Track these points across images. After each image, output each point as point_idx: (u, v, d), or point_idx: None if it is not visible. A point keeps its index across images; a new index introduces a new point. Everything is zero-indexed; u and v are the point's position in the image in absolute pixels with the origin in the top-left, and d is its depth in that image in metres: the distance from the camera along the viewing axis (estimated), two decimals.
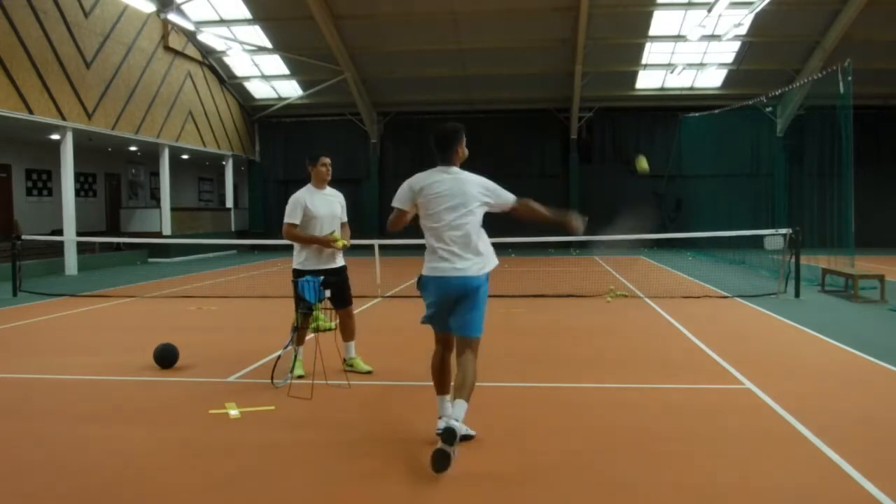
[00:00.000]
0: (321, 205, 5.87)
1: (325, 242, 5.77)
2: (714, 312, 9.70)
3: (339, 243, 5.80)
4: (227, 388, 5.79)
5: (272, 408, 5.12)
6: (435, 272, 4.13)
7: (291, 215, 5.77)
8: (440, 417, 4.28)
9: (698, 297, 11.16)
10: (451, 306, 4.15)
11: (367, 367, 6.13)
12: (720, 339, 7.58)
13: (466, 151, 4.36)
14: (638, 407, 5.14)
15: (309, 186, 5.96)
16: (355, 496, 3.62)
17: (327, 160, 6.00)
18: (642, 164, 5.08)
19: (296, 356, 5.94)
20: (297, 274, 5.77)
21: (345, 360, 6.19)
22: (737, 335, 7.95)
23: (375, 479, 3.81)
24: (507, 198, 4.33)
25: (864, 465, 3.85)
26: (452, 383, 4.18)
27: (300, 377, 5.84)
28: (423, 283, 4.21)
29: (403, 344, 7.62)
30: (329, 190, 6.06)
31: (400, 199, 4.25)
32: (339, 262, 6.02)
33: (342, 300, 6.02)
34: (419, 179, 4.23)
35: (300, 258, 5.88)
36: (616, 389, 5.69)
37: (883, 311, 9.64)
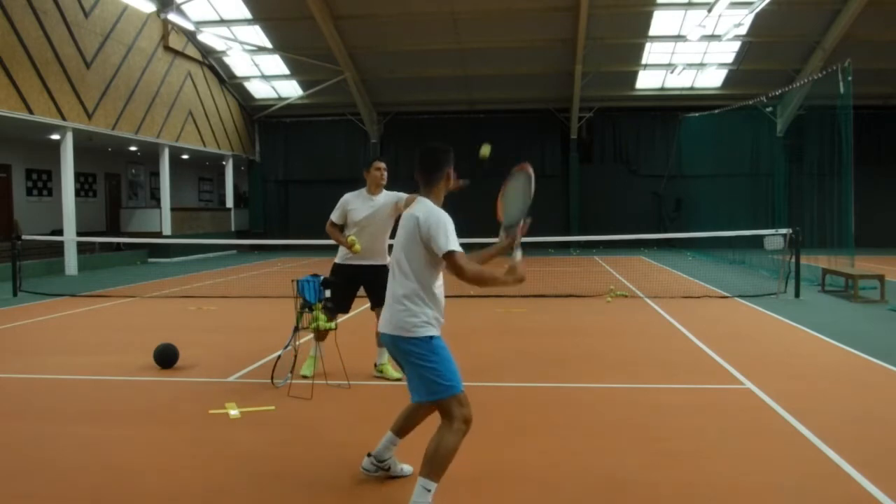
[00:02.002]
0: (361, 210, 5.82)
1: (346, 244, 5.79)
2: (714, 312, 9.70)
3: (356, 248, 5.76)
4: (227, 388, 5.80)
5: (272, 408, 5.12)
6: None
7: (334, 213, 5.95)
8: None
9: (698, 297, 11.15)
10: None
11: (397, 375, 5.96)
12: (720, 339, 7.58)
13: None
14: (638, 406, 5.14)
15: (362, 190, 5.95)
16: (356, 497, 3.62)
17: (381, 164, 5.88)
18: (484, 151, 4.82)
19: (313, 353, 5.99)
20: (336, 268, 5.94)
21: (375, 365, 6.15)
22: (737, 335, 7.95)
23: (376, 480, 3.81)
24: None
25: (863, 464, 3.85)
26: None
27: (304, 377, 5.84)
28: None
29: None
30: (381, 196, 5.89)
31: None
32: (379, 261, 5.92)
33: (382, 297, 5.94)
34: None
35: (341, 253, 6.01)
36: (616, 389, 5.69)
37: (883, 311, 9.63)
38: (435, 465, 3.29)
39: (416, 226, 3.37)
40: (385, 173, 5.90)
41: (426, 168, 3.54)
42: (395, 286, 3.48)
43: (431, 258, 3.38)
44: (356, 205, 5.86)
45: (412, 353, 3.38)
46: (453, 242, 3.32)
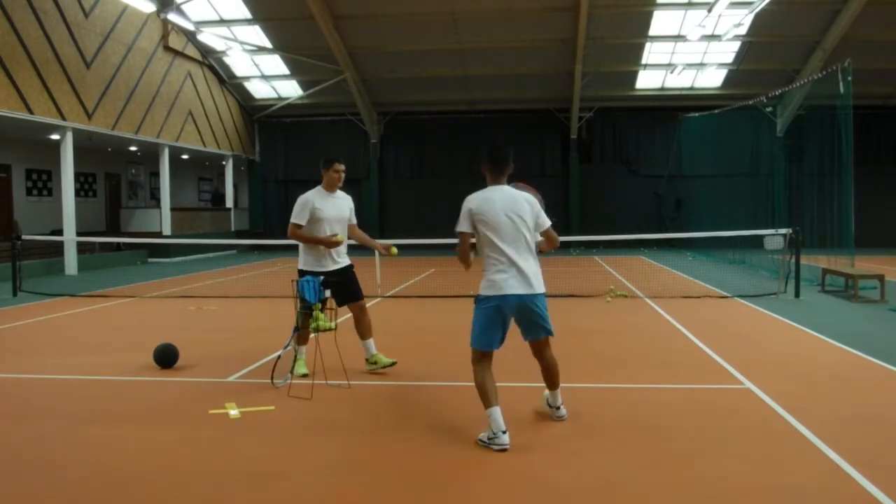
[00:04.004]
0: (329, 207, 5.90)
1: (328, 243, 5.78)
2: (714, 312, 9.70)
3: (340, 237, 5.82)
4: (227, 388, 5.80)
5: (272, 408, 5.12)
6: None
7: (298, 216, 5.82)
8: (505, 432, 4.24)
9: (698, 297, 11.15)
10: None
11: (389, 360, 6.11)
12: (720, 339, 7.58)
13: None
14: (637, 406, 5.14)
15: (319, 188, 5.98)
16: (355, 496, 3.62)
17: (341, 167, 6.00)
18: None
19: (296, 356, 5.95)
20: (302, 275, 5.81)
21: (367, 359, 6.16)
22: (737, 335, 7.95)
23: (375, 480, 3.81)
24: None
25: (863, 464, 3.85)
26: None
27: (304, 375, 5.85)
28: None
29: (403, 344, 7.60)
30: (339, 193, 6.08)
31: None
32: (344, 262, 6.05)
33: (352, 295, 6.04)
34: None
35: (305, 259, 5.93)
36: (615, 389, 5.70)
37: (883, 311, 9.63)
38: (559, 377, 4.80)
39: (531, 208, 4.51)
40: (343, 175, 6.02)
41: (501, 162, 4.59)
42: (529, 256, 4.47)
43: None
44: (322, 203, 5.87)
45: (544, 303, 4.53)
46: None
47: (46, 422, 4.90)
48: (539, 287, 4.45)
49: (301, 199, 5.88)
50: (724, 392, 5.56)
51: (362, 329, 6.12)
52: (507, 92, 23.65)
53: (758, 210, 17.81)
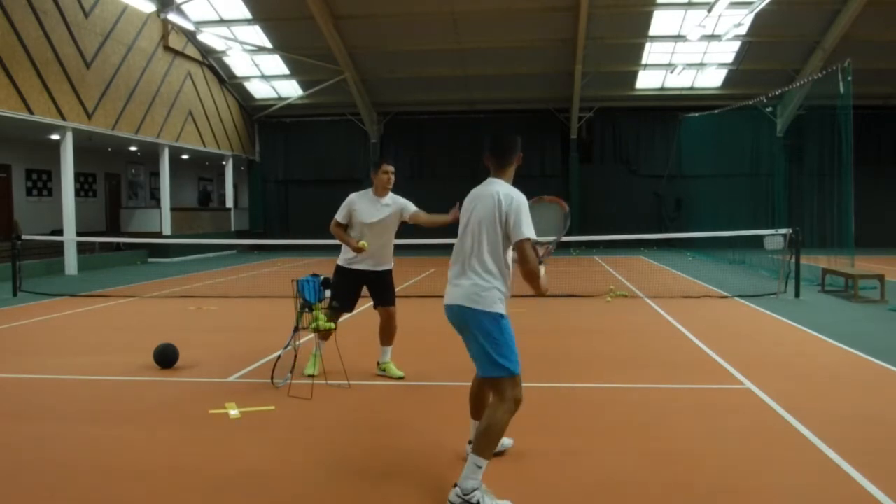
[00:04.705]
0: (369, 212, 5.80)
1: (353, 248, 5.75)
2: (714, 312, 9.70)
3: (363, 243, 5.75)
4: (227, 388, 5.80)
5: (272, 408, 5.12)
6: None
7: (339, 213, 5.88)
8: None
9: (698, 297, 11.15)
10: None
11: (399, 373, 6.03)
12: (720, 339, 7.58)
13: None
14: (638, 407, 5.14)
15: (368, 191, 5.94)
16: (354, 496, 3.62)
17: (390, 168, 5.83)
18: None
19: (315, 350, 5.99)
20: (337, 270, 5.91)
21: (378, 363, 6.15)
22: (737, 335, 7.95)
23: (374, 480, 3.81)
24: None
25: (863, 464, 3.85)
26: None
27: (310, 376, 5.84)
28: None
29: (403, 344, 7.59)
30: (388, 199, 5.90)
31: None
32: (384, 266, 6.00)
33: (383, 299, 6.00)
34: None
35: (345, 255, 5.97)
36: (615, 389, 5.69)
37: (883, 311, 9.63)
38: (485, 443, 3.37)
39: (497, 204, 3.51)
40: (393, 177, 5.87)
41: (499, 152, 3.71)
42: (470, 261, 3.59)
43: (505, 238, 3.52)
44: (363, 206, 5.83)
45: (481, 326, 3.51)
46: (530, 230, 3.47)
47: (46, 422, 4.90)
48: (472, 301, 3.52)
49: (348, 197, 5.90)
50: (725, 392, 5.56)
51: (384, 335, 6.08)
52: (507, 92, 23.65)
53: (758, 210, 17.82)
